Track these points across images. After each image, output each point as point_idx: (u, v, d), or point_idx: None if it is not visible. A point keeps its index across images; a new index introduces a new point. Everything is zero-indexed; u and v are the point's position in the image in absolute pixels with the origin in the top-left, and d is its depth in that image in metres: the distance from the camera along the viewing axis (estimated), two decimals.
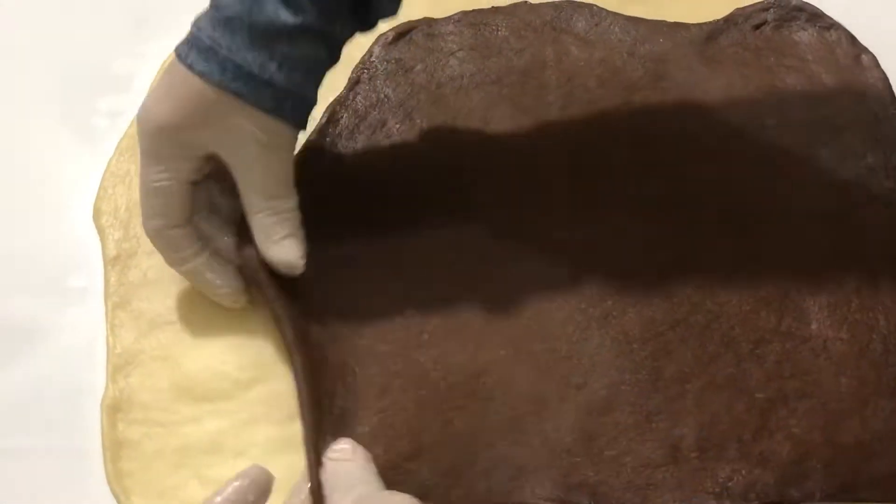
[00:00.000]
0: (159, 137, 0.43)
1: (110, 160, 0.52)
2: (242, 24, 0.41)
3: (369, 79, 0.54)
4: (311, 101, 0.45)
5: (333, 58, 0.45)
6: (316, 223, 0.47)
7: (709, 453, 0.42)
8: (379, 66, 0.55)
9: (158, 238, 0.45)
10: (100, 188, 0.51)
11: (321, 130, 0.52)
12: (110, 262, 0.49)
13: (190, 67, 0.42)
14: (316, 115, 0.49)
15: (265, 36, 0.41)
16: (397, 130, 0.52)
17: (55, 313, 0.48)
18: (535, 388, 0.44)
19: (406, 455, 0.43)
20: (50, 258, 0.50)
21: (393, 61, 0.55)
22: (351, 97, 0.53)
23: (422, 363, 0.45)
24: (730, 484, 0.41)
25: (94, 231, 0.50)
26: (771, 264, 0.47)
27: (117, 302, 0.47)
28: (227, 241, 0.46)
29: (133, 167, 0.52)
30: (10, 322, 0.48)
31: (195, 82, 0.42)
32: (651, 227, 0.49)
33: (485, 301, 0.47)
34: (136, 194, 0.50)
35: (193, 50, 0.42)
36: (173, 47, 0.43)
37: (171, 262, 0.45)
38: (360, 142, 0.52)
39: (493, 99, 0.53)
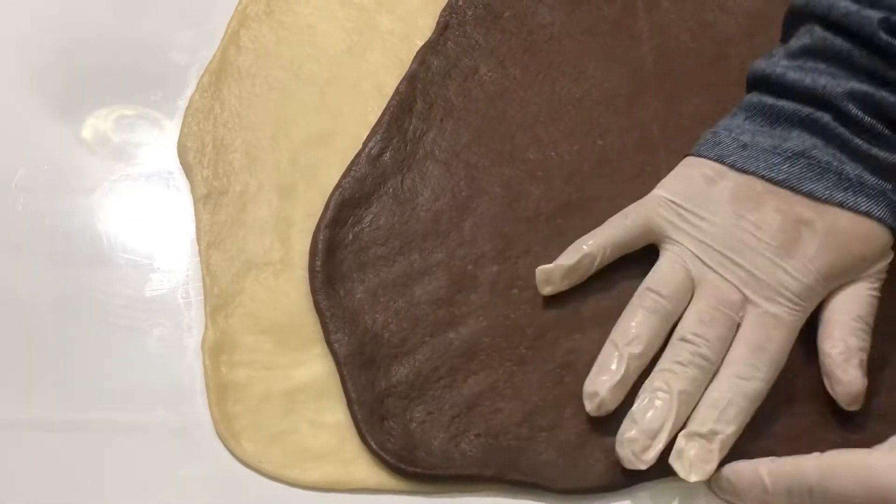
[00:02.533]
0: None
1: (192, 97, 0.50)
2: None
3: (458, 24, 0.53)
4: None
5: None
6: (408, 168, 0.47)
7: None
8: (467, 10, 0.53)
9: None
10: (183, 125, 0.49)
11: (413, 76, 0.51)
12: (200, 201, 0.47)
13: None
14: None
15: None
16: (490, 78, 0.51)
17: (144, 254, 0.46)
18: None
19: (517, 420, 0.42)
20: (135, 197, 0.48)
21: (481, 6, 0.54)
22: (441, 42, 0.52)
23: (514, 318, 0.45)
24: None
25: (180, 169, 0.48)
26: None
27: (211, 241, 0.46)
28: None
29: (217, 104, 0.50)
30: (99, 258, 0.46)
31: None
32: None
33: None
34: (222, 132, 0.49)
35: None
36: None
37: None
38: (451, 88, 0.51)
39: (585, 49, 0.52)
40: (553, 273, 0.44)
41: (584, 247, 0.44)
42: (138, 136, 0.50)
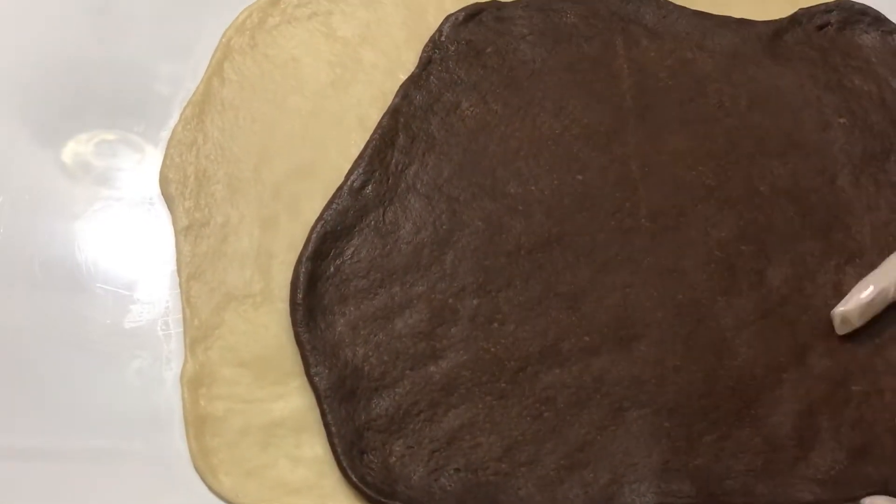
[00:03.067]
0: None
1: (175, 128, 0.50)
2: None
3: (441, 59, 0.53)
4: None
5: None
6: (390, 201, 0.48)
7: (806, 443, 0.43)
8: (450, 46, 0.54)
9: None
10: (166, 156, 0.49)
11: (396, 109, 0.51)
12: (182, 232, 0.47)
13: None
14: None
15: None
16: (471, 113, 0.52)
17: (124, 284, 0.46)
18: (628, 372, 0.44)
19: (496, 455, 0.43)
20: (115, 227, 0.48)
21: (464, 42, 0.54)
22: (424, 76, 0.52)
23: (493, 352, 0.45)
24: (832, 473, 0.42)
25: (161, 200, 0.48)
26: (853, 260, 0.48)
27: (192, 273, 0.46)
28: None
29: (200, 136, 0.50)
30: (77, 285, 0.46)
31: None
32: (728, 218, 0.49)
33: (565, 291, 0.47)
34: (204, 163, 0.49)
35: None
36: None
37: None
38: (433, 123, 0.51)
39: (566, 85, 0.53)
40: (852, 313, 0.45)
41: (878, 283, 0.45)
42: (120, 162, 0.49)
